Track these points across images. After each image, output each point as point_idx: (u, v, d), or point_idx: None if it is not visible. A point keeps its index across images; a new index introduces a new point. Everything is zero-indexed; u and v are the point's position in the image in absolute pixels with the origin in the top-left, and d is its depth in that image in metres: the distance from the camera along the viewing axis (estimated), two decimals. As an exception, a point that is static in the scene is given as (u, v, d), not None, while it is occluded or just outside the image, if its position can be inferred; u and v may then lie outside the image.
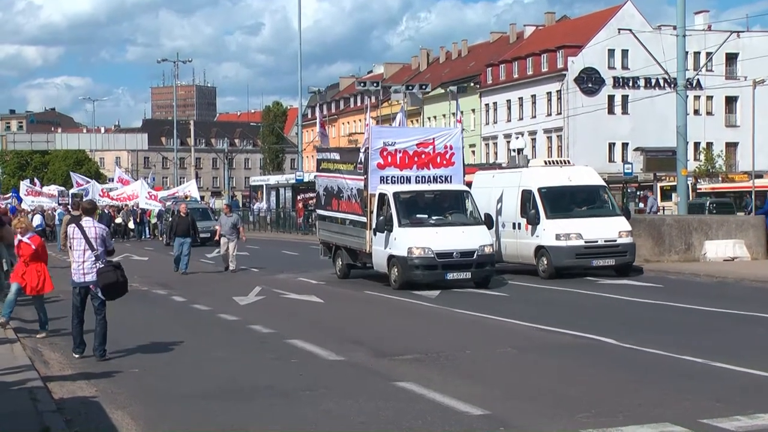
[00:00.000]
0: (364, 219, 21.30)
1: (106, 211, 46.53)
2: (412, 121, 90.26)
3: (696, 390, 9.34)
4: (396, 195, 20.50)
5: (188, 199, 48.18)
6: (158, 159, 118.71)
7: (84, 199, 13.93)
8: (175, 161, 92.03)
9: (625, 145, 71.78)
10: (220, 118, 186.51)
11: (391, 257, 20.15)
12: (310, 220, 50.81)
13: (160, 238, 44.60)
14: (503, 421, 8.26)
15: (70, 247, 12.01)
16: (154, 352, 12.35)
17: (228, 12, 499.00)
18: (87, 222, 11.96)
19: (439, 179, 21.42)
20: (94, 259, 11.73)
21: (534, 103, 77.26)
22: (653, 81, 66.28)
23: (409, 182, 21.23)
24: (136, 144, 63.84)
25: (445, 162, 21.48)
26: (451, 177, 21.49)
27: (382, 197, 20.73)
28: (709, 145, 72.58)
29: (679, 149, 28.73)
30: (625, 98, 72.74)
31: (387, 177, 21.12)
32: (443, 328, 14.68)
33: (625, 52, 71.32)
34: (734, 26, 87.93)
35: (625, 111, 72.81)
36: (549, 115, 75.09)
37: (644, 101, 66.54)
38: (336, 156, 24.13)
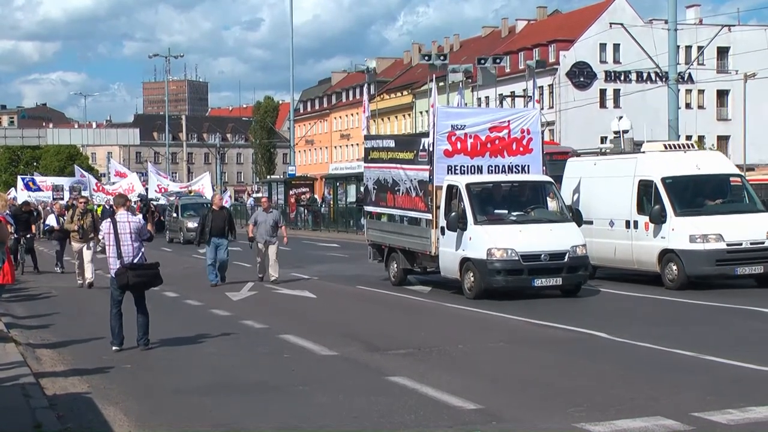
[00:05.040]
0: (428, 216, 18.46)
1: (107, 206, 46.11)
2: (404, 115, 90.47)
3: (688, 383, 9.37)
4: (469, 187, 17.56)
5: (192, 194, 46.82)
6: (150, 154, 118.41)
7: (117, 194, 14.27)
8: (167, 156, 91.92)
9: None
10: (212, 113, 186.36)
11: (464, 260, 17.16)
12: (303, 215, 50.91)
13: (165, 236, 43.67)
14: (496, 416, 8.27)
15: (107, 242, 12.18)
16: (146, 348, 12.32)
17: (226, 7, 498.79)
18: (121, 216, 12.27)
19: (515, 169, 18.51)
20: (130, 251, 12.03)
21: (526, 97, 77.30)
22: (645, 75, 66.32)
23: (481, 173, 18.36)
24: (128, 139, 63.53)
25: (521, 149, 18.61)
26: (529, 166, 18.62)
27: (452, 190, 17.79)
28: (701, 138, 72.65)
29: (671, 143, 28.75)
30: (616, 92, 72.81)
31: (455, 166, 18.23)
32: (436, 322, 14.71)
33: (616, 47, 71.40)
34: (726, 20, 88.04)
35: (617, 105, 72.85)
36: (541, 109, 75.02)
37: (636, 95, 66.49)
38: (391, 143, 20.96)
